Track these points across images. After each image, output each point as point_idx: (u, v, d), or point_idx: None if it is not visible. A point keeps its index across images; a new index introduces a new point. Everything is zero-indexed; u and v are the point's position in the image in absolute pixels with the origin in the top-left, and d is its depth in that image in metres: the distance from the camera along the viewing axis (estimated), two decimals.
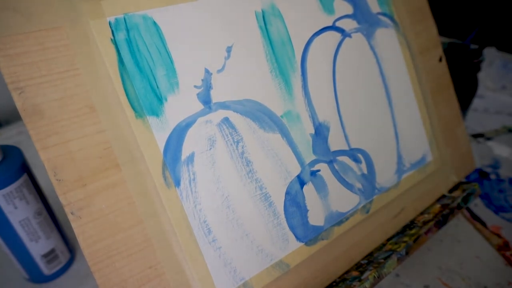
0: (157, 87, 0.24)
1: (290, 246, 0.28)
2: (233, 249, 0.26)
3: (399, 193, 0.34)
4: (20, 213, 0.33)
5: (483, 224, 0.41)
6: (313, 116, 0.30)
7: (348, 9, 0.33)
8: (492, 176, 0.48)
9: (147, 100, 0.24)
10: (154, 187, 0.23)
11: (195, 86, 0.25)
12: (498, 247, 0.38)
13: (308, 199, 0.29)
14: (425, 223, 0.34)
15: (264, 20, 0.28)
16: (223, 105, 0.26)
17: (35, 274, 0.37)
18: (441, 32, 0.41)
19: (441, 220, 0.34)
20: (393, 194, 0.34)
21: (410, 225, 0.34)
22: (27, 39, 0.21)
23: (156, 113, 0.24)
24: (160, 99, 0.24)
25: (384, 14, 0.35)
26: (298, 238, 0.28)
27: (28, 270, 0.36)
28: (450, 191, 0.38)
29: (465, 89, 0.49)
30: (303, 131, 0.29)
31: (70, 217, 0.21)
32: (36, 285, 0.38)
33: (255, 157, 0.27)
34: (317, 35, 0.31)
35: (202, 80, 0.26)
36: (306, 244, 0.29)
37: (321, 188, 0.30)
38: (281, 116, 0.28)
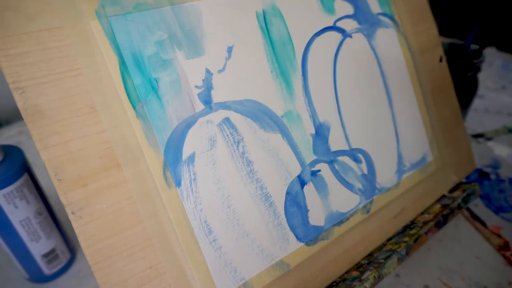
0: (158, 87, 0.24)
1: (290, 246, 0.28)
2: (233, 249, 0.26)
3: (399, 193, 0.34)
4: (21, 213, 0.33)
5: (483, 224, 0.41)
6: (313, 116, 0.30)
7: (349, 9, 0.33)
8: (492, 176, 0.48)
9: (148, 100, 0.24)
10: (155, 187, 0.23)
11: (196, 86, 0.25)
12: (498, 247, 0.38)
13: (308, 199, 0.29)
14: (425, 223, 0.34)
15: (265, 20, 0.28)
16: (224, 105, 0.26)
17: (35, 274, 0.37)
18: (441, 32, 0.41)
19: (441, 220, 0.34)
20: (393, 194, 0.34)
21: (410, 225, 0.35)
22: (29, 39, 0.21)
23: (157, 113, 0.24)
24: (161, 99, 0.24)
25: (384, 14, 0.35)
26: (298, 238, 0.28)
27: (28, 270, 0.36)
28: (450, 191, 0.38)
29: (465, 89, 0.49)
30: (304, 131, 0.29)
31: (70, 217, 0.21)
32: (36, 285, 0.38)
33: (256, 157, 0.27)
34: (318, 35, 0.31)
35: (203, 80, 0.26)
36: (307, 244, 0.29)
37: (321, 188, 0.30)
38: (282, 116, 0.28)
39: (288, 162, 0.28)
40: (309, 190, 0.29)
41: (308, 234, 0.29)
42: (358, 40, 0.33)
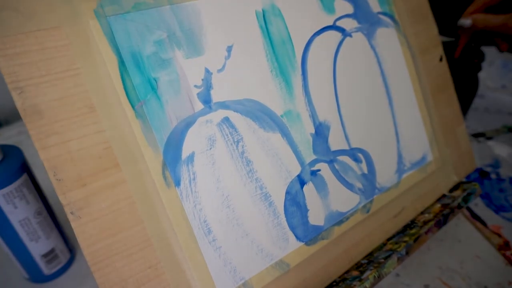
0: (158, 86, 0.24)
1: (290, 246, 0.28)
2: (233, 249, 0.26)
3: (399, 192, 0.34)
4: (20, 212, 0.33)
5: (484, 223, 0.41)
6: (313, 115, 0.30)
7: (349, 8, 0.33)
8: (493, 176, 0.48)
9: (148, 100, 0.24)
10: (154, 187, 0.23)
11: (195, 86, 0.25)
12: (498, 246, 0.38)
13: (308, 199, 0.29)
14: (425, 222, 0.34)
15: (264, 20, 0.28)
16: (223, 105, 0.26)
17: (35, 274, 0.37)
18: (441, 32, 0.41)
19: (441, 220, 0.34)
20: (393, 193, 0.34)
21: (411, 224, 0.34)
22: (27, 38, 0.20)
23: (156, 112, 0.24)
24: (160, 99, 0.24)
25: (384, 14, 0.35)
26: (298, 238, 0.28)
27: (28, 270, 0.36)
28: (451, 190, 0.38)
29: (465, 88, 0.49)
30: (304, 131, 0.29)
31: (70, 217, 0.21)
32: (36, 285, 0.38)
33: (255, 156, 0.27)
34: (318, 34, 0.31)
35: (202, 79, 0.26)
36: (306, 243, 0.29)
37: (321, 187, 0.30)
38: (281, 116, 0.28)
39: (288, 162, 0.28)
40: (309, 189, 0.29)
41: (308, 234, 0.29)
42: (358, 40, 0.33)
